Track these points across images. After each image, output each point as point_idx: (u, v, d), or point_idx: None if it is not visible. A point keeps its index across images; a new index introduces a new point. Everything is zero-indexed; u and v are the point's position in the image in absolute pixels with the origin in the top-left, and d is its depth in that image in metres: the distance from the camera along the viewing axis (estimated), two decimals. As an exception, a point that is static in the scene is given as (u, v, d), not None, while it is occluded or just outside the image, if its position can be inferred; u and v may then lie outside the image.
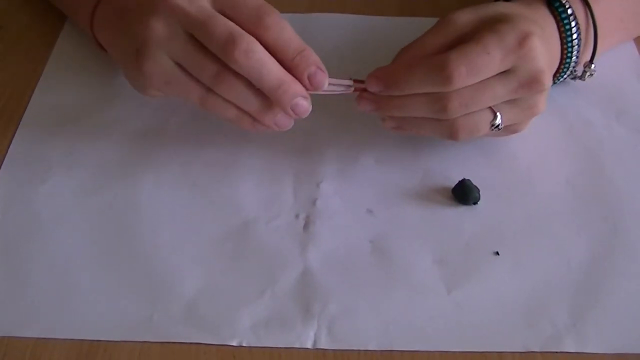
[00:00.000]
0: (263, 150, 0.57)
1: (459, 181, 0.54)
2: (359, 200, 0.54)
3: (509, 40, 0.49)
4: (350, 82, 0.52)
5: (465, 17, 0.51)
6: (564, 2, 0.54)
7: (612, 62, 0.63)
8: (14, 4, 0.71)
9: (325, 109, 0.59)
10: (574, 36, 0.55)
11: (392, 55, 0.53)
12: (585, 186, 0.55)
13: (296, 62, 0.48)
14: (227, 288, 0.49)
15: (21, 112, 0.60)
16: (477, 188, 0.54)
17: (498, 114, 0.51)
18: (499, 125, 0.51)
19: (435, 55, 0.49)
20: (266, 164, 0.57)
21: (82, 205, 0.54)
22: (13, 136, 0.58)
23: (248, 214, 0.53)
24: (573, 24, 0.54)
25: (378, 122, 0.55)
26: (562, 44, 0.55)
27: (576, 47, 0.55)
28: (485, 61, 0.48)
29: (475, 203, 0.54)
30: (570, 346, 0.46)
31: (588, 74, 0.58)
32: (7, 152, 0.57)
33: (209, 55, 0.48)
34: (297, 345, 0.46)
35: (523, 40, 0.49)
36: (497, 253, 0.51)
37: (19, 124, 0.59)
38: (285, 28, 0.48)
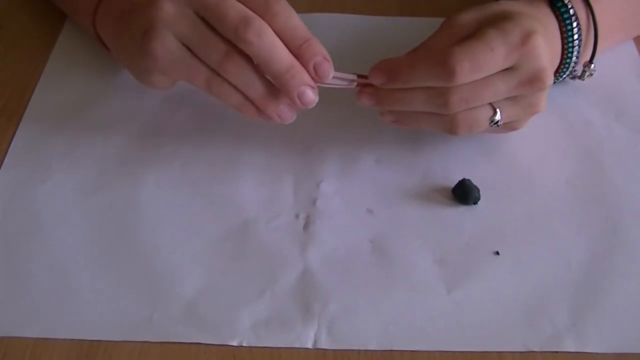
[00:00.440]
0: (263, 150, 0.57)
1: (459, 181, 0.54)
2: (359, 200, 0.54)
3: (513, 37, 0.49)
4: (354, 77, 0.52)
5: (469, 18, 0.51)
6: (566, 2, 0.54)
7: (612, 62, 0.63)
8: (14, 4, 0.71)
9: (325, 108, 0.59)
10: (575, 36, 0.55)
11: (392, 55, 0.52)
12: (585, 186, 0.55)
13: (303, 50, 0.49)
14: (227, 288, 0.49)
15: (21, 112, 0.60)
16: (477, 188, 0.54)
17: (498, 110, 0.51)
18: (498, 121, 0.51)
19: (439, 50, 0.49)
20: (266, 163, 0.57)
21: (82, 205, 0.54)
22: (13, 136, 0.58)
23: (248, 213, 0.53)
24: (575, 24, 0.54)
25: (378, 122, 0.55)
26: (563, 44, 0.55)
27: (577, 47, 0.55)
28: (488, 58, 0.48)
29: (475, 203, 0.54)
30: (570, 346, 0.46)
31: (587, 73, 0.58)
32: (7, 152, 0.57)
33: (217, 36, 0.48)
34: (297, 345, 0.46)
35: (526, 38, 0.49)
36: (497, 253, 0.51)
37: (19, 123, 0.59)
38: (292, 16, 0.49)
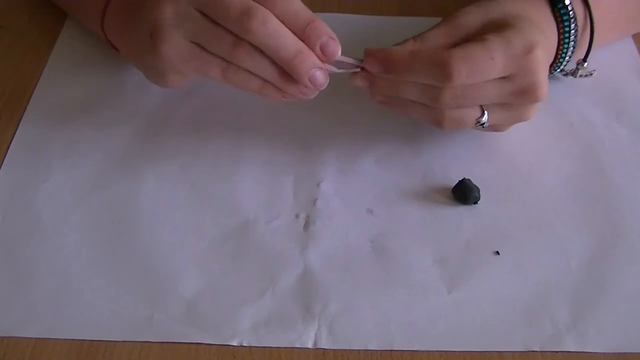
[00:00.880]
0: (263, 150, 0.57)
1: (459, 181, 0.54)
2: (359, 200, 0.54)
3: (515, 49, 0.49)
4: (359, 62, 0.51)
5: (472, 17, 0.51)
6: (567, 4, 0.54)
7: (612, 61, 0.63)
8: (14, 4, 0.71)
9: (325, 108, 0.60)
10: (572, 37, 0.55)
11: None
12: (585, 186, 0.55)
13: (308, 33, 0.48)
14: (227, 288, 0.49)
15: (21, 112, 0.60)
16: (477, 188, 0.54)
17: (486, 112, 0.51)
18: (484, 123, 0.51)
19: (439, 50, 0.49)
20: (266, 163, 0.57)
21: (82, 204, 0.54)
22: (13, 136, 0.58)
23: (248, 214, 0.53)
24: (572, 26, 0.54)
25: (378, 122, 0.55)
26: (558, 44, 0.55)
27: (571, 48, 0.55)
28: (487, 65, 0.48)
29: (475, 203, 0.54)
30: (570, 345, 0.46)
31: (581, 72, 0.58)
32: (7, 151, 0.57)
33: (223, 28, 0.48)
34: (297, 345, 0.46)
35: (528, 51, 0.49)
36: (498, 252, 0.51)
37: (19, 123, 0.59)
38: (293, 0, 0.48)
